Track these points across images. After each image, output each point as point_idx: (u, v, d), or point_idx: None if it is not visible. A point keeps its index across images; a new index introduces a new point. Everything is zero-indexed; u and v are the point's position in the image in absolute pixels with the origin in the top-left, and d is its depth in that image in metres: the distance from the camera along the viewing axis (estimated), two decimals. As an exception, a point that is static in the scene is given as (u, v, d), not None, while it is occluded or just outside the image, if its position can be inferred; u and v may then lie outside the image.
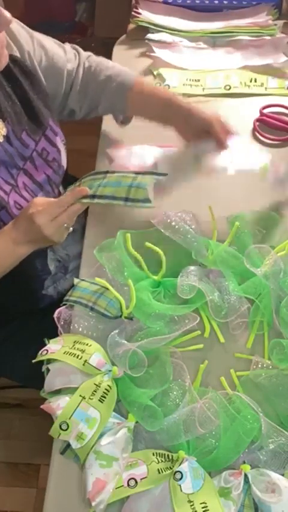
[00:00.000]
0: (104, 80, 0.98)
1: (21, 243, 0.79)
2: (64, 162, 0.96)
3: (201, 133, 0.94)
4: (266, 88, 1.17)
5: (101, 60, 1.01)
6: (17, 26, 0.88)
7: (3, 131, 0.83)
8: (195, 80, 1.19)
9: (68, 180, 0.96)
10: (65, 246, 0.99)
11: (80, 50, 1.02)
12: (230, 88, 1.16)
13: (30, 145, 0.87)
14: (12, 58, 0.85)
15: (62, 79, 0.95)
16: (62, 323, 0.74)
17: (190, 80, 1.19)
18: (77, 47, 1.02)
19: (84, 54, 1.01)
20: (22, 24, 0.91)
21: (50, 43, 0.95)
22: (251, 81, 1.18)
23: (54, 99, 0.96)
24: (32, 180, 0.89)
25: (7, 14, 0.72)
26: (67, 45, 1.00)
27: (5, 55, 0.78)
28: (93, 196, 0.78)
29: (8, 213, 0.82)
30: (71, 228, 0.81)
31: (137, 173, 0.81)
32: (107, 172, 0.81)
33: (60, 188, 0.98)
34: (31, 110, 0.89)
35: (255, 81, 1.18)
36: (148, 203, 0.77)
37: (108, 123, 1.10)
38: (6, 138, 0.84)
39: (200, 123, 0.94)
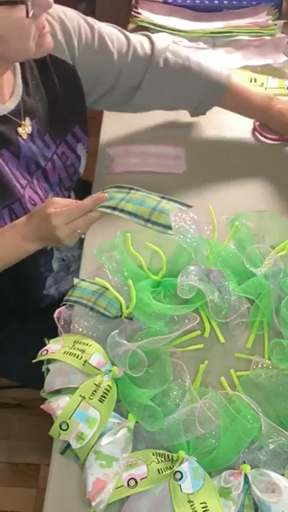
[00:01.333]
0: (190, 77, 0.96)
1: (31, 239, 0.78)
2: (82, 168, 0.97)
3: None
4: (266, 88, 1.17)
5: (182, 52, 0.97)
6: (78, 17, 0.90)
7: (28, 129, 0.84)
8: (195, 80, 1.19)
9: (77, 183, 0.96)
10: (71, 246, 0.99)
11: (155, 40, 0.95)
12: (230, 88, 1.16)
13: (51, 148, 0.88)
14: (53, 58, 0.85)
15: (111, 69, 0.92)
16: (62, 323, 0.74)
17: (190, 80, 1.19)
18: (151, 37, 0.96)
19: (161, 46, 0.95)
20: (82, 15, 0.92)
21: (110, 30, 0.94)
22: (251, 81, 1.18)
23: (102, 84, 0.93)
24: (45, 180, 0.90)
25: None
26: (136, 36, 0.95)
27: (48, 42, 0.76)
28: (114, 208, 0.76)
29: (22, 206, 0.82)
30: (83, 235, 0.80)
31: (163, 197, 0.80)
32: (132, 188, 0.79)
33: (72, 194, 0.98)
34: (57, 113, 0.89)
35: (255, 81, 1.18)
36: (169, 230, 0.76)
37: (108, 123, 1.10)
38: (30, 136, 0.85)
39: None
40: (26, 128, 0.84)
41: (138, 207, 0.77)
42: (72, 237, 0.77)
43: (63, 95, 0.89)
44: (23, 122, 0.84)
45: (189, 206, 0.79)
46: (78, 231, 0.76)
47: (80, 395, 0.64)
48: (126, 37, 0.93)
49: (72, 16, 0.89)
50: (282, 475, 0.60)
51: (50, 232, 0.75)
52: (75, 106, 0.91)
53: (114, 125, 1.09)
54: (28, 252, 0.79)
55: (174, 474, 0.59)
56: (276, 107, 1.01)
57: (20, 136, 0.84)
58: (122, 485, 0.59)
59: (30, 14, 0.69)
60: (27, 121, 0.84)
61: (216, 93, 0.98)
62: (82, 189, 1.02)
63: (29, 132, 0.85)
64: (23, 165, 0.84)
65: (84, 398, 0.64)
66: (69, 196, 0.97)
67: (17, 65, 0.83)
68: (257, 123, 1.08)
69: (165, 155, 1.03)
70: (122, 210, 0.76)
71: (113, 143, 1.07)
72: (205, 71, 0.96)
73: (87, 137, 0.95)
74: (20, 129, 0.83)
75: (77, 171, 0.95)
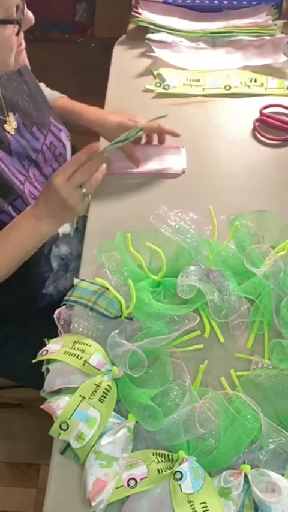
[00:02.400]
0: None
1: (44, 218, 0.79)
2: (69, 157, 0.97)
3: None
4: (266, 88, 1.17)
5: None
6: None
7: (14, 124, 0.86)
8: (195, 80, 1.19)
9: None
10: (69, 244, 1.00)
11: None
12: (230, 88, 1.17)
13: (40, 139, 0.90)
14: None
15: None
16: (62, 323, 0.74)
17: (190, 80, 1.19)
18: None
19: None
20: None
21: None
22: (251, 81, 1.18)
23: None
24: (41, 173, 0.91)
25: (30, 14, 0.75)
26: None
27: (22, 57, 0.79)
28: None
29: (24, 202, 0.84)
30: (90, 196, 0.80)
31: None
32: (127, 139, 0.84)
33: None
34: (37, 105, 0.91)
35: (255, 81, 1.18)
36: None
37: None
38: (17, 131, 0.86)
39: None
40: (11, 123, 0.85)
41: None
42: (78, 197, 0.78)
43: (32, 85, 0.93)
44: (7, 117, 0.85)
45: (163, 116, 0.90)
46: (83, 191, 0.77)
47: (80, 395, 0.64)
48: None
49: None
50: (282, 475, 0.60)
51: (55, 199, 0.77)
52: (42, 95, 0.94)
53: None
54: (45, 234, 0.81)
55: (174, 474, 0.59)
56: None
57: (8, 132, 0.85)
58: (122, 485, 0.59)
59: (18, 31, 0.73)
60: (11, 116, 0.86)
61: None
62: None
63: (15, 127, 0.86)
64: (16, 161, 0.85)
65: (84, 398, 0.64)
66: None
67: None
68: (257, 123, 1.08)
69: (164, 156, 1.03)
70: (115, 142, 0.81)
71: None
72: None
73: (63, 126, 0.99)
74: (6, 126, 0.85)
75: (66, 160, 0.97)
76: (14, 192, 0.83)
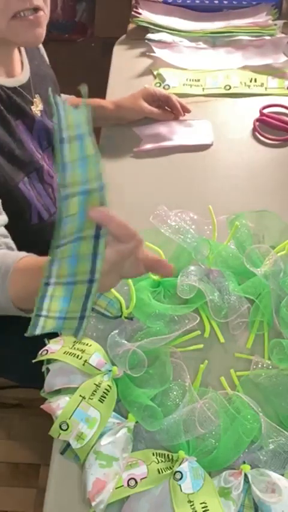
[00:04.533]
0: None
1: None
2: None
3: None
4: (266, 88, 1.17)
5: None
6: None
7: (40, 106, 0.88)
8: (195, 80, 1.19)
9: None
10: None
11: None
12: (230, 88, 1.17)
13: None
14: None
15: None
16: (62, 323, 0.74)
17: (190, 80, 1.19)
18: None
19: None
20: None
21: None
22: (251, 81, 1.18)
23: None
24: (50, 160, 0.93)
25: None
26: None
27: (35, 33, 0.78)
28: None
29: (38, 176, 0.86)
30: None
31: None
32: None
33: None
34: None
35: (255, 81, 1.18)
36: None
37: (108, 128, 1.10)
38: (43, 113, 0.89)
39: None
40: (38, 105, 0.88)
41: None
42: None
43: (53, 82, 0.98)
44: (34, 98, 0.88)
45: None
46: None
47: (80, 395, 0.64)
48: None
49: None
50: (282, 475, 0.60)
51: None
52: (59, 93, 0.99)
53: (114, 125, 1.09)
54: None
55: (174, 474, 0.59)
56: None
57: (35, 114, 0.88)
58: (122, 485, 0.59)
59: None
60: (38, 98, 0.88)
61: None
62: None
63: (41, 109, 0.88)
64: (36, 139, 0.87)
65: (84, 398, 0.64)
66: None
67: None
68: (257, 123, 1.08)
69: (192, 129, 1.07)
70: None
71: (113, 144, 1.07)
72: None
73: None
74: (33, 107, 0.87)
75: None
76: (32, 164, 0.85)
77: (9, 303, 0.64)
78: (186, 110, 1.09)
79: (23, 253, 0.67)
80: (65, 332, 0.57)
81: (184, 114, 1.09)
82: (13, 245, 0.74)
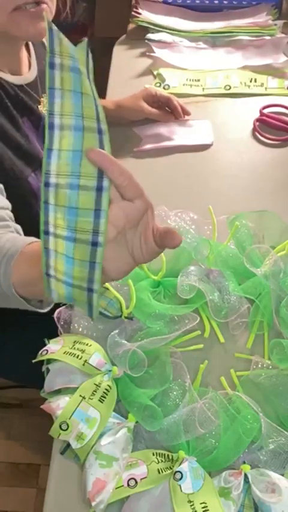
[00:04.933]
0: None
1: None
2: None
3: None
4: (266, 88, 1.17)
5: None
6: None
7: (47, 106, 0.89)
8: (195, 80, 1.19)
9: None
10: None
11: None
12: (230, 88, 1.17)
13: None
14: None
15: None
16: (62, 323, 0.74)
17: (190, 80, 1.19)
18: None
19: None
20: None
21: None
22: (251, 81, 1.18)
23: None
24: None
25: None
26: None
27: (38, 28, 0.77)
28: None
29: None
30: None
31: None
32: None
33: None
34: None
35: (255, 81, 1.18)
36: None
37: (109, 123, 1.10)
38: None
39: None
40: (45, 105, 0.88)
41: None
42: None
43: None
44: (42, 98, 0.88)
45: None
46: None
47: (80, 395, 0.64)
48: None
49: None
50: (282, 475, 0.60)
51: None
52: None
53: (115, 124, 1.09)
54: None
55: (174, 474, 0.59)
56: None
57: (41, 112, 0.88)
58: (122, 485, 0.59)
59: None
60: (45, 98, 0.89)
61: None
62: None
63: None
64: (41, 137, 0.88)
65: (84, 398, 0.64)
66: None
67: (30, 43, 0.89)
68: (257, 123, 1.08)
69: (192, 129, 1.07)
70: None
71: (113, 144, 1.06)
72: None
73: None
74: (40, 107, 0.88)
75: None
76: (38, 161, 0.86)
77: (11, 288, 0.60)
78: (186, 113, 1.09)
79: (32, 239, 0.64)
80: (77, 305, 0.51)
81: (184, 117, 1.09)
82: (21, 231, 0.72)
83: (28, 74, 0.89)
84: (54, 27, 0.45)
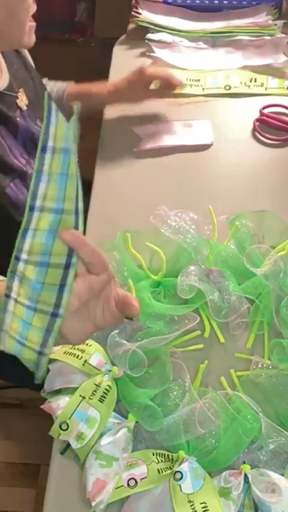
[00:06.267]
0: None
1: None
2: None
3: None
4: (266, 88, 1.17)
5: None
6: None
7: (25, 100, 0.90)
8: (195, 80, 1.19)
9: None
10: None
11: None
12: (230, 88, 1.17)
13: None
14: None
15: None
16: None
17: (190, 80, 1.19)
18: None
19: None
20: None
21: None
22: (251, 81, 1.18)
23: None
24: None
25: None
26: None
27: (33, 38, 0.85)
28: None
29: (22, 182, 0.86)
30: None
31: None
32: None
33: None
34: (40, 97, 0.95)
35: (255, 81, 1.18)
36: None
37: (109, 123, 1.10)
38: (28, 107, 0.91)
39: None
40: (23, 100, 0.89)
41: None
42: None
43: (37, 82, 0.98)
44: (18, 93, 0.88)
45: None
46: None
47: (80, 395, 0.64)
48: None
49: None
50: (282, 475, 0.60)
51: None
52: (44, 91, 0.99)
53: (115, 124, 1.09)
54: None
55: (174, 474, 0.59)
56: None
57: (20, 108, 0.88)
58: (122, 485, 0.59)
59: None
60: (22, 92, 0.90)
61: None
62: (82, 187, 1.03)
63: (27, 103, 0.89)
64: (21, 143, 0.87)
65: (84, 398, 0.64)
66: None
67: None
68: (257, 123, 1.08)
69: (192, 129, 1.07)
70: None
71: (113, 144, 1.07)
72: None
73: None
74: (18, 101, 0.88)
75: None
76: (14, 171, 0.85)
77: None
78: (177, 82, 1.10)
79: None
80: (24, 362, 0.52)
81: (181, 84, 1.10)
82: None
83: (0, 82, 0.87)
84: (53, 106, 0.46)
